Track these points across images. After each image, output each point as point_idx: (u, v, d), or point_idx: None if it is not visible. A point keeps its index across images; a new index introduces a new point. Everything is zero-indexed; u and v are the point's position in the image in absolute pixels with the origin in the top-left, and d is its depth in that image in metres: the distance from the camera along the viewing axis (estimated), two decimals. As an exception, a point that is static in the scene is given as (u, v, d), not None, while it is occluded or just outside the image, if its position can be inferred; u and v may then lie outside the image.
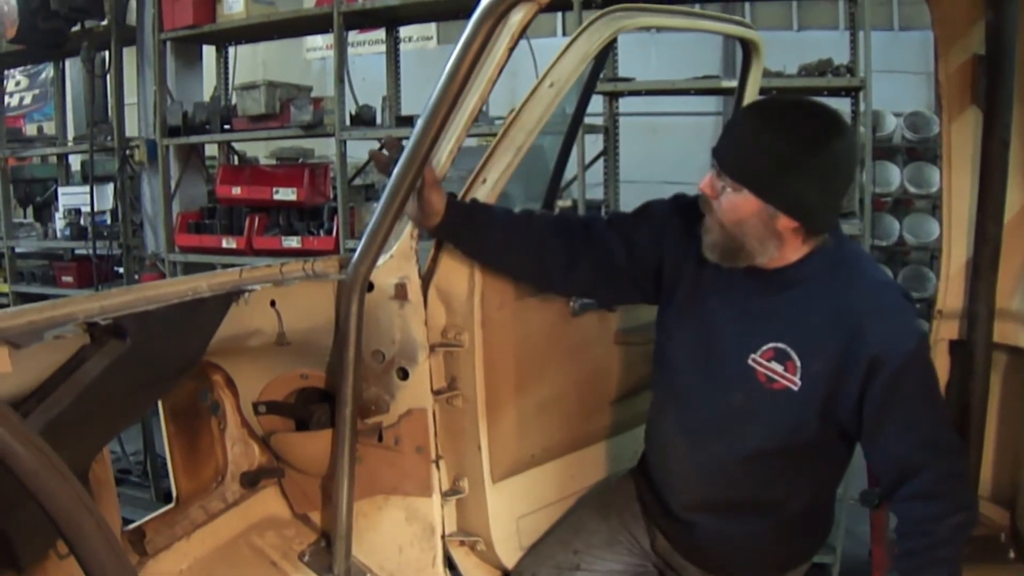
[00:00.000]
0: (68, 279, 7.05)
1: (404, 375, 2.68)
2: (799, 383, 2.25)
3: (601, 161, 5.46)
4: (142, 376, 2.16)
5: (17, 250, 7.65)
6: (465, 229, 2.55)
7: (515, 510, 2.89)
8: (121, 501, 2.53)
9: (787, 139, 2.14)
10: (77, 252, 7.42)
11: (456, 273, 2.66)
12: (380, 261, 2.57)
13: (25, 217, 9.23)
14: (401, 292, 2.61)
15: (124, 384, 2.06)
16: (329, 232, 5.87)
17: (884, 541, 3.66)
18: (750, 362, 2.30)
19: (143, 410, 3.22)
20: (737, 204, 2.18)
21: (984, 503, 2.63)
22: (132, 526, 2.58)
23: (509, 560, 2.89)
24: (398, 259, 2.61)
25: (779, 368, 2.26)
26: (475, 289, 2.66)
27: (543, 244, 2.56)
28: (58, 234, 7.36)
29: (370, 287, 2.59)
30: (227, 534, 2.77)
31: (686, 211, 2.39)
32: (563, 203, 5.40)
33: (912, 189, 7.10)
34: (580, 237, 2.56)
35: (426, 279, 2.66)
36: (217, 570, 2.67)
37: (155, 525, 2.61)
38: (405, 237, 2.60)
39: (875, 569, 3.75)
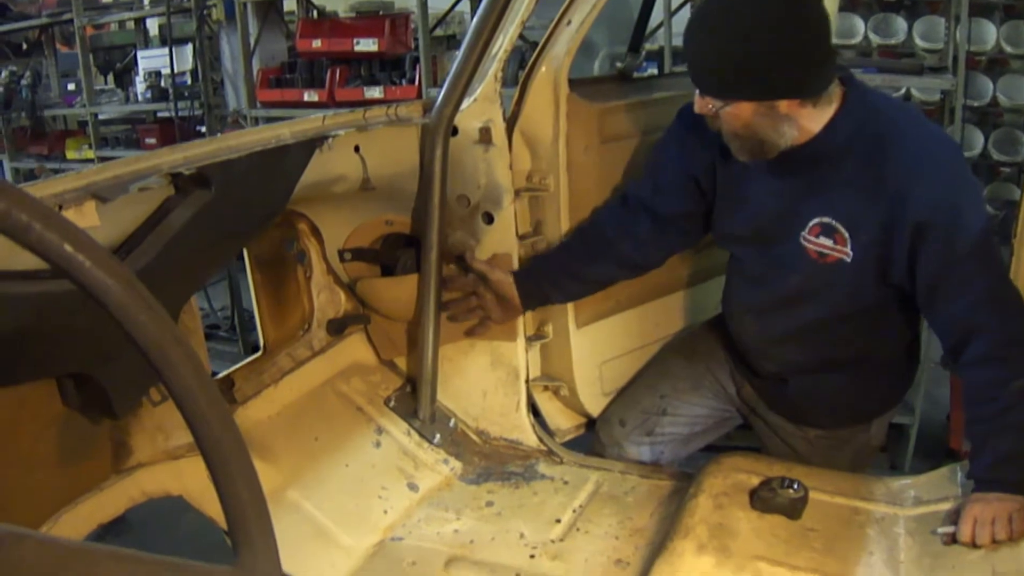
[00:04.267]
0: (151, 141, 7.08)
1: (489, 219, 2.67)
2: (851, 253, 2.21)
3: (688, 7, 5.27)
4: (227, 225, 2.17)
5: (100, 116, 7.69)
6: (542, 293, 2.68)
7: (598, 356, 2.91)
8: (210, 355, 2.58)
9: (737, 34, 2.06)
10: (159, 115, 7.45)
11: (541, 116, 2.63)
12: (464, 105, 2.55)
13: (106, 84, 9.29)
14: (485, 136, 2.59)
15: (209, 233, 2.07)
16: (412, 82, 5.80)
17: (963, 405, 3.64)
18: (801, 241, 2.27)
19: (229, 259, 3.26)
20: (734, 114, 2.14)
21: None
22: (221, 375, 2.64)
23: (591, 405, 2.92)
24: (482, 102, 2.58)
25: (828, 242, 2.23)
26: (560, 132, 2.63)
27: (610, 250, 2.62)
28: (139, 98, 7.38)
29: (454, 131, 2.57)
30: (314, 381, 2.82)
31: (694, 119, 2.30)
32: (650, 47, 5.26)
33: (1008, 48, 6.76)
34: (630, 221, 2.60)
35: (510, 123, 2.64)
36: (304, 416, 2.72)
37: (243, 373, 2.67)
38: (489, 79, 2.56)
39: (953, 433, 3.74)
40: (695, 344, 2.83)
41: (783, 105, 2.11)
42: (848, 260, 2.22)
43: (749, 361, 2.64)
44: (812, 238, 2.25)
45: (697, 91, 2.19)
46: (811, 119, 2.16)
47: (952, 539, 2.12)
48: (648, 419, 2.74)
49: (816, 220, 2.24)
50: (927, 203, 2.09)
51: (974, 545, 2.07)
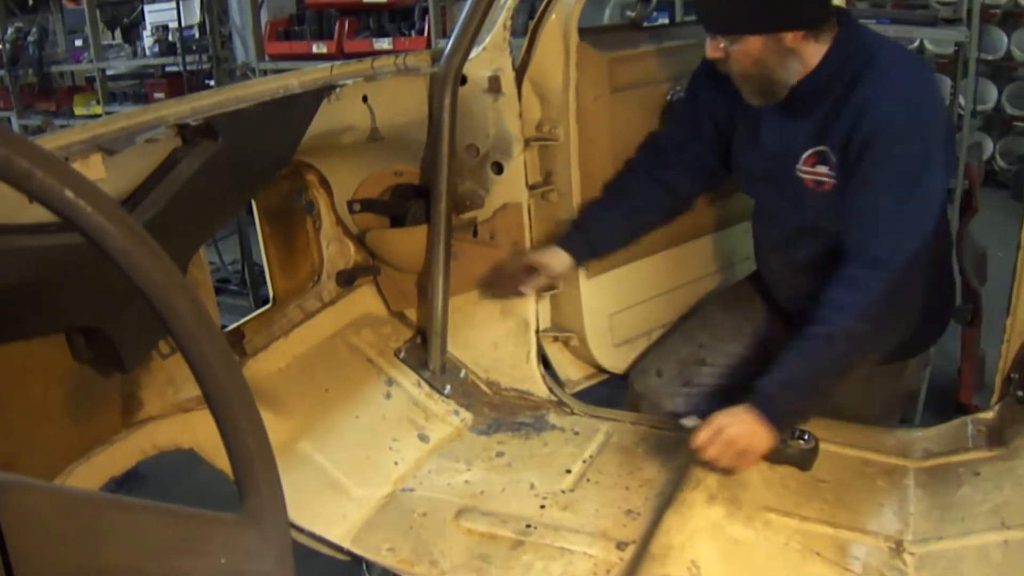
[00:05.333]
0: (160, 95, 7.05)
1: (499, 169, 2.66)
2: (836, 179, 2.23)
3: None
4: (235, 175, 2.16)
5: (108, 72, 7.65)
6: (595, 249, 2.69)
7: (609, 306, 2.91)
8: (221, 309, 2.57)
9: None
10: (167, 69, 7.42)
11: (551, 65, 2.60)
12: (473, 53, 2.53)
13: (113, 39, 9.24)
14: (495, 85, 2.57)
15: (217, 184, 2.06)
16: (421, 32, 5.74)
17: (973, 358, 3.61)
18: (798, 173, 2.29)
19: (237, 209, 3.26)
20: (744, 51, 2.17)
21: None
22: (231, 327, 2.64)
23: (602, 356, 2.92)
24: (491, 51, 2.56)
25: (824, 169, 2.24)
26: (570, 82, 2.61)
27: (649, 199, 2.66)
28: (147, 52, 7.34)
29: (463, 80, 2.55)
30: (324, 332, 2.82)
31: (712, 68, 2.32)
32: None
33: (1025, 2, 6.73)
34: (663, 168, 2.64)
35: (520, 72, 2.62)
36: (315, 368, 2.72)
37: (254, 325, 2.67)
38: (498, 28, 2.54)
39: (963, 387, 3.72)
40: (734, 295, 2.82)
41: (789, 38, 2.15)
42: (836, 184, 2.24)
43: (783, 306, 2.63)
44: (808, 168, 2.27)
45: (708, 34, 2.21)
46: (812, 54, 2.19)
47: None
48: (686, 369, 2.71)
49: (811, 151, 2.26)
50: (877, 118, 2.10)
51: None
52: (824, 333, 2.13)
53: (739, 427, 2.12)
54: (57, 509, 0.85)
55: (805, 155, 2.27)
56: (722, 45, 2.18)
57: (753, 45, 2.15)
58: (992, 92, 6.97)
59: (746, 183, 2.60)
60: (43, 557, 0.84)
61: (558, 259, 2.63)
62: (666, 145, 2.64)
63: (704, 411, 2.50)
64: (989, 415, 2.38)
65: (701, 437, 2.14)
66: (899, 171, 2.11)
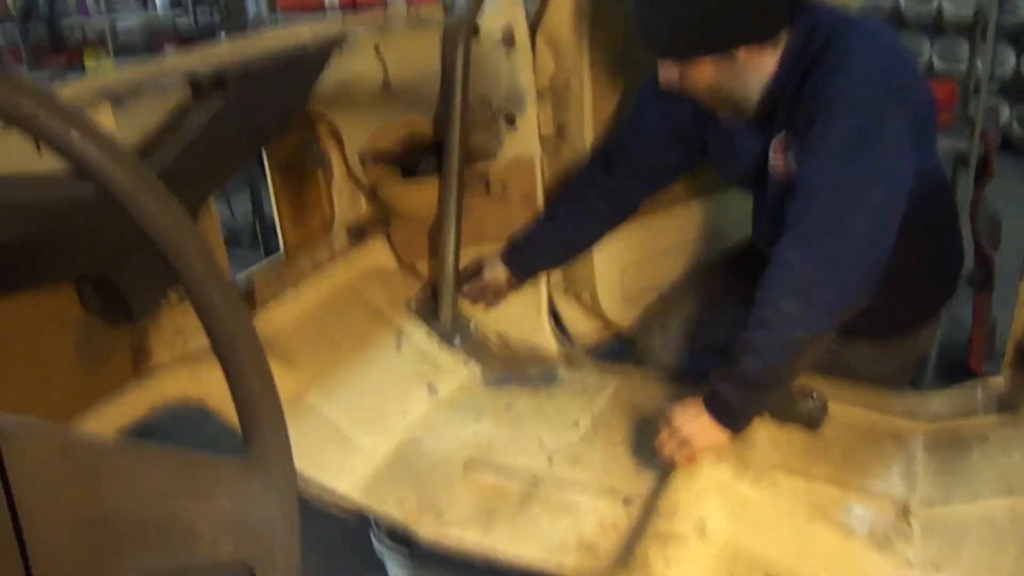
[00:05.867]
0: (170, 48, 7.03)
1: (511, 122, 2.65)
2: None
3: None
4: (245, 126, 2.14)
5: (119, 24, 7.63)
6: (534, 267, 2.78)
7: (620, 261, 2.90)
8: (232, 262, 2.57)
9: None
10: (178, 23, 7.39)
11: (565, 18, 2.59)
12: (486, 5, 2.51)
13: (124, -7, 9.23)
14: (508, 37, 2.55)
15: (227, 134, 2.04)
16: (436, -16, 5.72)
17: (985, 324, 3.59)
18: (770, 166, 2.24)
19: (247, 159, 3.24)
20: (698, 74, 2.13)
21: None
22: (240, 274, 2.63)
23: (612, 311, 2.92)
24: (504, 3, 2.54)
25: (792, 158, 2.18)
26: (583, 35, 2.59)
27: (596, 213, 2.65)
28: (157, 6, 7.32)
29: (476, 32, 2.53)
30: (335, 284, 2.82)
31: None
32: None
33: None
34: (613, 181, 2.60)
35: (533, 24, 2.60)
36: (325, 319, 2.72)
37: (264, 276, 2.66)
38: (513, -21, 2.52)
39: (973, 354, 3.70)
40: (743, 253, 2.77)
41: (741, 54, 2.09)
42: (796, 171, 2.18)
43: None
44: (778, 159, 2.23)
45: (659, 62, 2.17)
46: (771, 60, 2.13)
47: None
48: (691, 327, 2.70)
49: (776, 139, 2.21)
50: (826, 93, 2.02)
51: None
52: (758, 317, 2.07)
53: (693, 426, 2.08)
54: (61, 452, 0.85)
55: (773, 144, 2.22)
56: (674, 71, 2.13)
57: (706, 68, 2.11)
58: (1011, 57, 6.88)
59: (733, 184, 2.57)
60: (47, 500, 0.84)
61: (501, 273, 2.74)
62: (614, 155, 2.59)
63: (707, 368, 2.50)
64: (999, 380, 2.35)
65: (661, 436, 2.12)
66: (840, 141, 2.00)
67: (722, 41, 2.07)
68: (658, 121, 2.49)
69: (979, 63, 4.33)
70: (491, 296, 2.82)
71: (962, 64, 5.35)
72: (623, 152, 2.57)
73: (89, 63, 7.75)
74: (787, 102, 2.15)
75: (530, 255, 2.72)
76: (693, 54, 2.09)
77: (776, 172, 2.24)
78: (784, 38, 2.12)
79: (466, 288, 2.80)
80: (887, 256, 2.03)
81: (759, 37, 2.09)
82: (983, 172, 3.54)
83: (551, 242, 2.71)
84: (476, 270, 2.79)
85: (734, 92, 2.16)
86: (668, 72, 2.15)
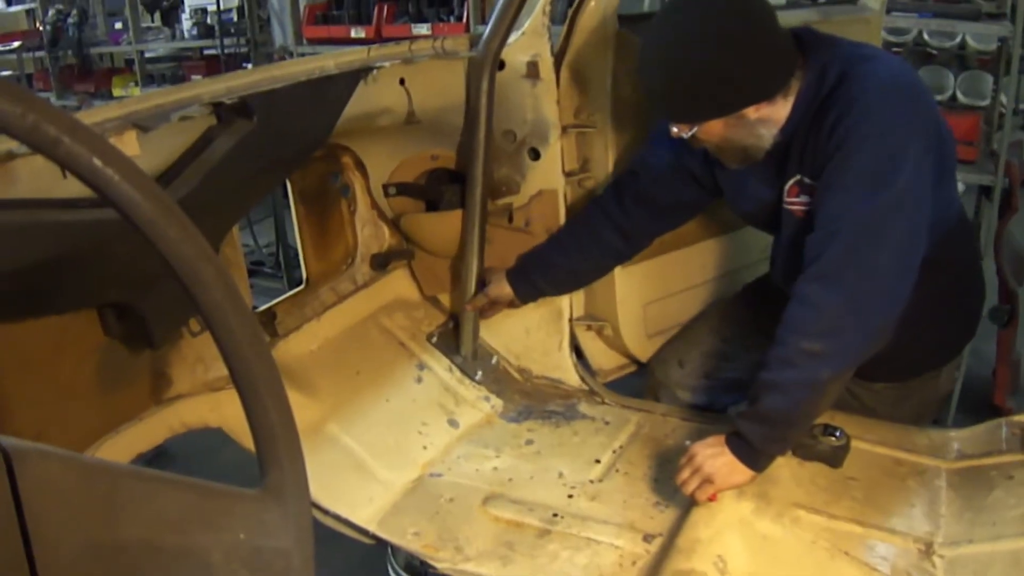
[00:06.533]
0: (197, 78, 7.08)
1: (535, 155, 2.64)
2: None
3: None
4: (269, 155, 2.15)
5: (147, 54, 7.70)
6: (536, 289, 2.73)
7: (642, 296, 2.88)
8: (255, 291, 2.58)
9: (685, 61, 2.02)
10: (205, 52, 7.45)
11: (589, 52, 2.58)
12: (511, 38, 2.50)
13: (152, 22, 9.31)
14: (533, 70, 2.55)
15: (251, 163, 2.05)
16: (459, 18, 5.72)
17: (1009, 360, 3.56)
18: (785, 206, 2.22)
19: (271, 189, 3.27)
20: (708, 132, 2.12)
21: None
22: (263, 307, 2.64)
23: (635, 346, 2.90)
24: (530, 36, 2.54)
25: (808, 199, 2.16)
26: (608, 69, 2.58)
27: (604, 246, 2.64)
28: (185, 35, 7.39)
29: (501, 65, 2.53)
30: (356, 315, 2.82)
31: None
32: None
33: (1072, -5, 6.60)
34: (624, 215, 2.58)
35: (558, 58, 2.59)
36: (346, 350, 2.72)
37: (286, 307, 2.67)
38: (537, 13, 2.52)
39: (997, 389, 3.67)
40: (761, 290, 2.75)
41: (750, 112, 2.08)
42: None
43: None
44: (793, 199, 2.21)
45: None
46: (782, 109, 2.12)
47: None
48: (708, 362, 2.69)
49: (792, 181, 2.19)
50: (844, 129, 2.00)
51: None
52: (781, 356, 2.03)
53: (715, 464, 2.06)
54: (76, 478, 0.84)
55: (788, 186, 2.20)
56: (684, 132, 2.13)
57: (714, 127, 2.10)
58: (1034, 90, 6.84)
59: (742, 220, 2.57)
60: (60, 526, 0.83)
61: (504, 290, 2.71)
62: (628, 191, 2.57)
63: (723, 406, 2.48)
64: (1024, 418, 2.33)
65: (683, 474, 2.10)
66: (860, 175, 1.99)
67: (730, 106, 2.07)
68: (671, 161, 2.48)
69: (1003, 97, 4.31)
70: (490, 309, 2.80)
71: (986, 98, 5.33)
72: (637, 188, 2.55)
73: (117, 90, 7.83)
74: (801, 142, 2.13)
75: (536, 280, 2.70)
76: (702, 120, 2.09)
77: (793, 212, 2.22)
78: (796, 83, 2.10)
79: (468, 302, 2.78)
80: (909, 291, 2.00)
81: (768, 96, 2.08)
82: (1007, 205, 3.52)
83: (558, 271, 2.69)
84: (481, 283, 2.77)
85: (744, 142, 2.15)
86: (679, 130, 2.14)
